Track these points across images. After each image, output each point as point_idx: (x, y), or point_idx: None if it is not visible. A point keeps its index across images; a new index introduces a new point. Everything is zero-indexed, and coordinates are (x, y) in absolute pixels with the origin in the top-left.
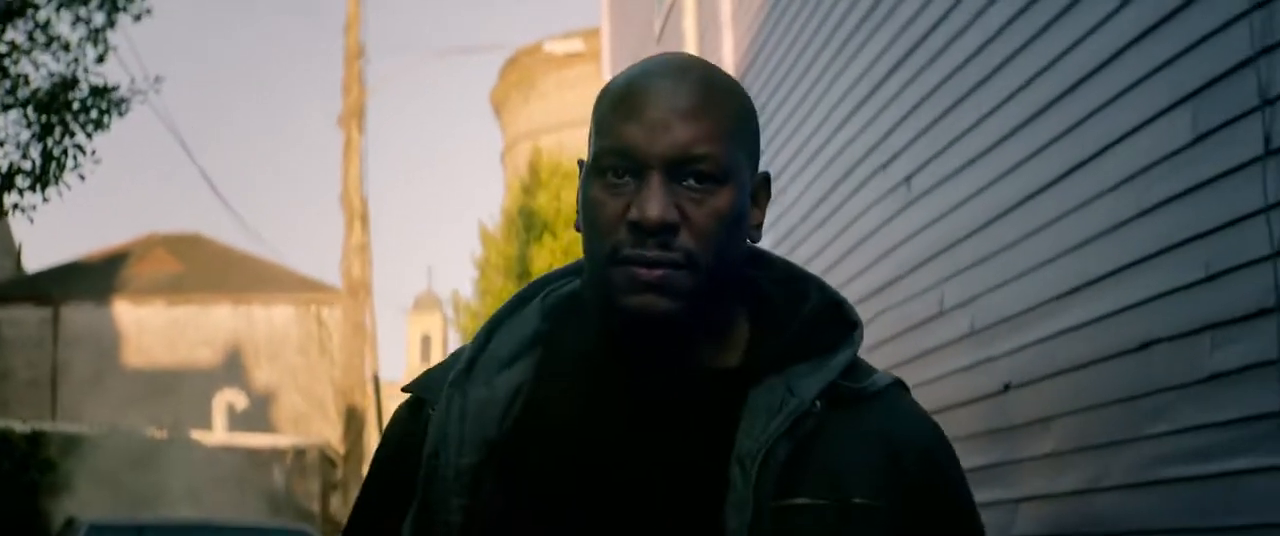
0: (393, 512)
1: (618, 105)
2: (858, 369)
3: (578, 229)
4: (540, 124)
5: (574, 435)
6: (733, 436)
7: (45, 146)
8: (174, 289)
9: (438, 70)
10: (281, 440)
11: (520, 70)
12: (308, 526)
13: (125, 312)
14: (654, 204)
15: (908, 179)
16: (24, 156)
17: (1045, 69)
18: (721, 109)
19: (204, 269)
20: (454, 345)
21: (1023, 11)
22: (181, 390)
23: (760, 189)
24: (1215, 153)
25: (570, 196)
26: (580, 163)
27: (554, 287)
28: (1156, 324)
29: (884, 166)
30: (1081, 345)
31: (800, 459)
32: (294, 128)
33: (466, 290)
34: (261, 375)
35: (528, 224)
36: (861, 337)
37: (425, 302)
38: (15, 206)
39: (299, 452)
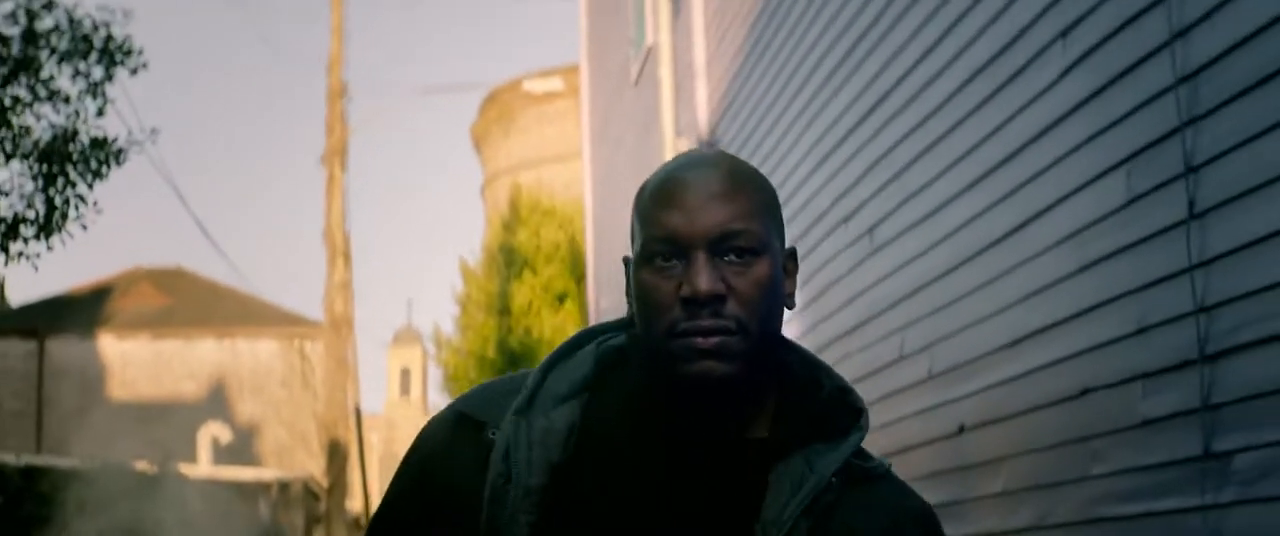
0: (428, 521)
1: (658, 198)
2: (862, 451)
3: (630, 321)
4: (520, 159)
5: (620, 476)
6: (757, 502)
7: (48, 196)
8: (159, 323)
9: (418, 108)
10: (266, 473)
11: (500, 106)
12: None
13: (110, 346)
14: (703, 277)
15: (871, 230)
16: (28, 206)
17: (997, 129)
18: (750, 191)
19: (188, 303)
20: (435, 379)
21: (977, 74)
22: (167, 423)
23: (789, 261)
24: (1146, 215)
25: (550, 234)
26: (625, 260)
27: (604, 339)
28: (1094, 373)
29: (848, 218)
30: (1029, 391)
31: (817, 531)
32: (275, 165)
33: (447, 326)
34: (245, 408)
35: (508, 260)
36: (868, 423)
37: (405, 337)
38: (21, 254)
39: (283, 485)
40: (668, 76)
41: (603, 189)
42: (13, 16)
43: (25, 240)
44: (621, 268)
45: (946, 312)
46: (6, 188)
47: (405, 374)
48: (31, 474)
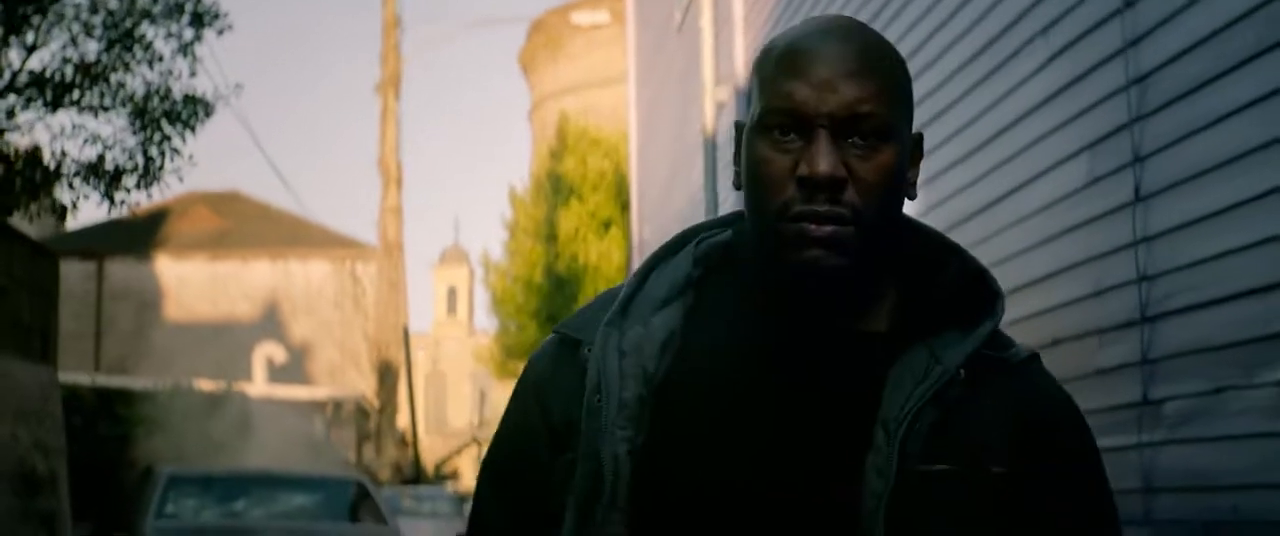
0: (546, 448)
1: (784, 65)
2: (998, 339)
3: (737, 187)
4: (567, 84)
5: (725, 382)
6: (877, 399)
7: (146, 149)
8: (215, 245)
9: (469, 38)
10: (319, 392)
11: (547, 32)
12: (361, 476)
13: (167, 268)
14: (824, 160)
15: None
16: (130, 158)
17: (979, 117)
18: (884, 70)
19: (243, 226)
20: (481, 300)
21: (964, 67)
22: (222, 343)
23: (915, 148)
24: (1102, 196)
25: (597, 162)
26: (737, 124)
27: (706, 236)
28: (1062, 326)
29: None
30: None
31: (942, 426)
32: (327, 93)
33: (495, 251)
34: (298, 328)
35: (555, 187)
36: (1004, 309)
37: (452, 256)
38: (123, 202)
39: (337, 404)
40: (708, 26)
41: (646, 127)
42: None
43: (127, 190)
44: (668, 186)
45: None
46: (110, 142)
47: (452, 293)
48: (105, 395)
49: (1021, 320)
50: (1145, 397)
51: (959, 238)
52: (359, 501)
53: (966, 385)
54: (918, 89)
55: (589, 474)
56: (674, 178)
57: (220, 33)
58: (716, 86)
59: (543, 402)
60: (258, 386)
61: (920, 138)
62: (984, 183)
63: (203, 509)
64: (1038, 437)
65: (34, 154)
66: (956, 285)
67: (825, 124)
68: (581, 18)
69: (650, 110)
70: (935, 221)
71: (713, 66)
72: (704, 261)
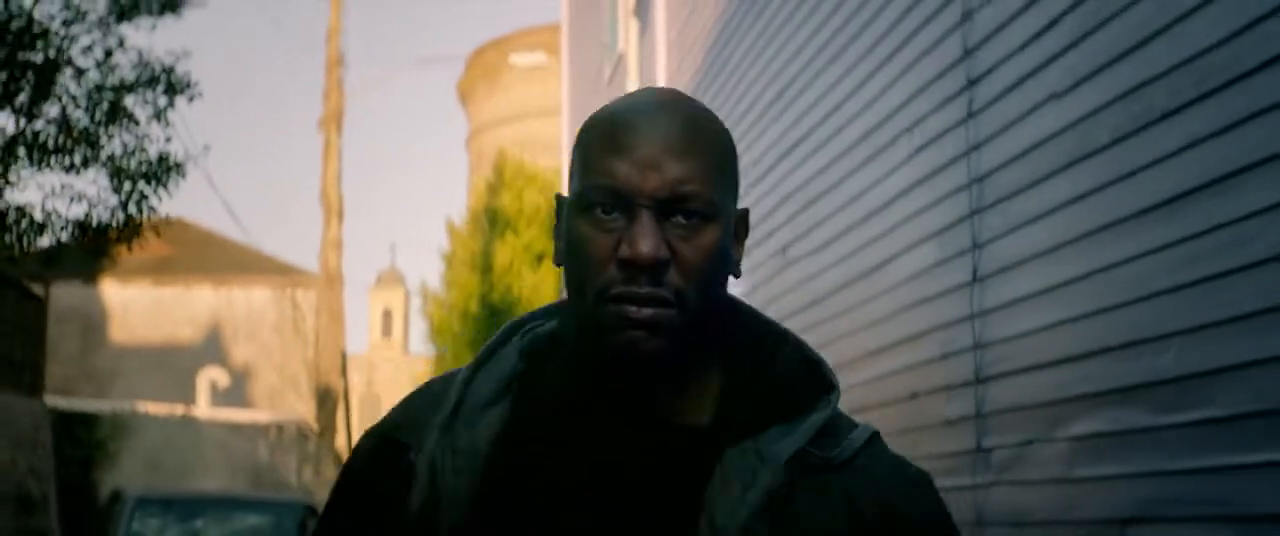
0: None
1: (606, 141)
2: (833, 430)
3: (557, 263)
4: (504, 114)
5: (548, 482)
6: (700, 496)
7: (126, 207)
8: (159, 270)
9: (410, 74)
10: (261, 416)
11: (485, 63)
12: (308, 498)
13: (112, 292)
14: (646, 241)
15: (784, 248)
16: (112, 215)
17: (858, 196)
18: (709, 147)
19: (188, 252)
20: (417, 323)
21: (847, 152)
22: (166, 366)
23: (740, 225)
24: (948, 274)
25: (533, 197)
26: (559, 197)
27: (531, 327)
28: (917, 383)
29: (766, 237)
30: (880, 390)
31: (770, 531)
32: (270, 127)
33: (432, 279)
34: (240, 352)
35: (492, 221)
36: (838, 400)
37: (388, 278)
38: (107, 255)
39: (279, 427)
40: (634, 86)
41: None
42: (90, 52)
43: (111, 243)
44: None
45: (836, 321)
46: (94, 200)
47: (387, 315)
48: (67, 419)
49: (888, 376)
50: (979, 446)
51: (843, 300)
52: (307, 521)
53: (795, 483)
54: (812, 166)
55: None
56: None
57: (190, 100)
58: None
59: (358, 503)
60: (201, 409)
61: (746, 213)
62: (860, 254)
63: (165, 528)
64: (867, 528)
65: (23, 210)
66: (787, 374)
67: (647, 204)
68: (519, 59)
69: None
70: (821, 286)
71: None
72: (529, 354)
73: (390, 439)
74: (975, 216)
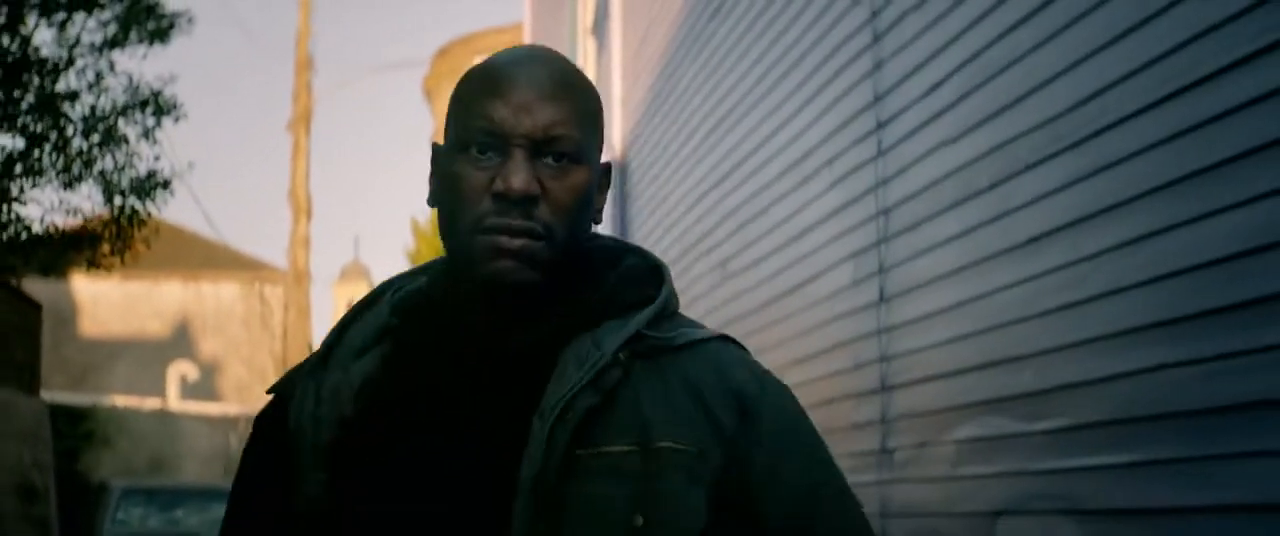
0: (262, 492)
1: (484, 86)
2: (670, 323)
3: (430, 204)
4: None
5: (411, 419)
6: (542, 391)
7: (118, 221)
8: (128, 264)
9: (376, 76)
10: (231, 408)
11: (451, 60)
12: None
13: (82, 286)
14: (518, 176)
15: (724, 262)
16: (105, 228)
17: (786, 219)
18: (579, 96)
19: (156, 247)
20: None
21: (780, 177)
22: (135, 359)
23: (604, 176)
24: (860, 294)
25: None
26: (434, 145)
27: (400, 285)
28: (832, 391)
29: (708, 251)
30: (802, 397)
31: (604, 410)
32: (239, 127)
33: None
34: (208, 346)
35: None
36: (672, 296)
37: (351, 272)
38: (97, 266)
39: (248, 420)
40: None
41: None
42: (82, 75)
43: (103, 256)
44: None
45: (767, 331)
46: (90, 215)
47: (350, 307)
48: (53, 412)
49: (809, 382)
50: (882, 447)
51: (773, 312)
52: None
53: (630, 367)
54: (746, 190)
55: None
56: None
57: (176, 120)
58: None
59: (251, 460)
60: (171, 402)
61: (609, 167)
62: (787, 273)
63: (148, 516)
64: (719, 413)
65: (23, 221)
66: (624, 277)
67: (521, 143)
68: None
69: None
70: (755, 299)
71: None
72: (398, 309)
73: (275, 395)
74: (882, 244)
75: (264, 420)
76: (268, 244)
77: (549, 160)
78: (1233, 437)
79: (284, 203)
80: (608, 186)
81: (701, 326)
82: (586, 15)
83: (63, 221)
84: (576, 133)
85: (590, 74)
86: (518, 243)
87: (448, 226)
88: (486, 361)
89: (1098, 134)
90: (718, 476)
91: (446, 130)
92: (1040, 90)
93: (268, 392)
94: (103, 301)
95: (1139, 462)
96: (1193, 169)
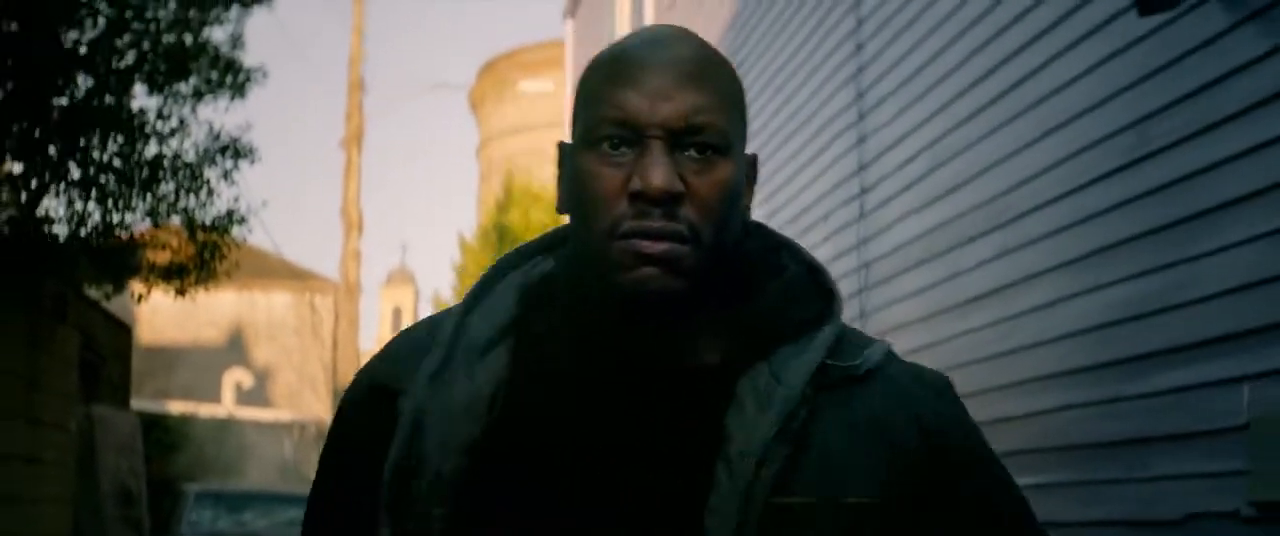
0: (360, 505)
1: (613, 74)
2: (845, 343)
3: (560, 210)
4: (513, 124)
5: (552, 439)
6: (719, 429)
7: (202, 253)
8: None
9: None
10: (284, 415)
11: (496, 74)
12: None
13: (133, 290)
14: (658, 172)
15: None
16: (189, 258)
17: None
18: (721, 79)
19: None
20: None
21: (798, 218)
22: (190, 366)
23: (751, 168)
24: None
25: (538, 215)
26: (561, 145)
27: (526, 268)
28: None
29: None
30: None
31: (791, 454)
32: (294, 144)
33: (442, 283)
34: (261, 354)
35: (501, 236)
36: (841, 308)
37: (398, 277)
38: (184, 292)
39: (301, 427)
40: None
41: None
42: (164, 121)
43: (186, 282)
44: None
45: None
46: (177, 245)
47: (397, 313)
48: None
49: None
50: None
51: None
52: None
53: (814, 403)
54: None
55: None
56: None
57: (252, 164)
58: None
59: (348, 462)
60: (226, 407)
61: (755, 159)
62: None
63: (217, 518)
64: (908, 454)
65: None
66: (790, 290)
67: (659, 134)
68: (527, 86)
69: None
70: None
71: None
72: (525, 299)
73: (377, 386)
74: (863, 293)
75: (359, 415)
76: (315, 253)
77: (691, 153)
78: (1116, 466)
79: (331, 211)
80: (755, 180)
81: (861, 334)
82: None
83: (155, 257)
84: (720, 120)
85: None
86: (660, 247)
87: (580, 233)
88: (639, 384)
89: (1022, 216)
90: (903, 527)
91: (573, 126)
92: (982, 176)
93: (366, 382)
94: (160, 310)
95: (1049, 484)
96: (1085, 251)
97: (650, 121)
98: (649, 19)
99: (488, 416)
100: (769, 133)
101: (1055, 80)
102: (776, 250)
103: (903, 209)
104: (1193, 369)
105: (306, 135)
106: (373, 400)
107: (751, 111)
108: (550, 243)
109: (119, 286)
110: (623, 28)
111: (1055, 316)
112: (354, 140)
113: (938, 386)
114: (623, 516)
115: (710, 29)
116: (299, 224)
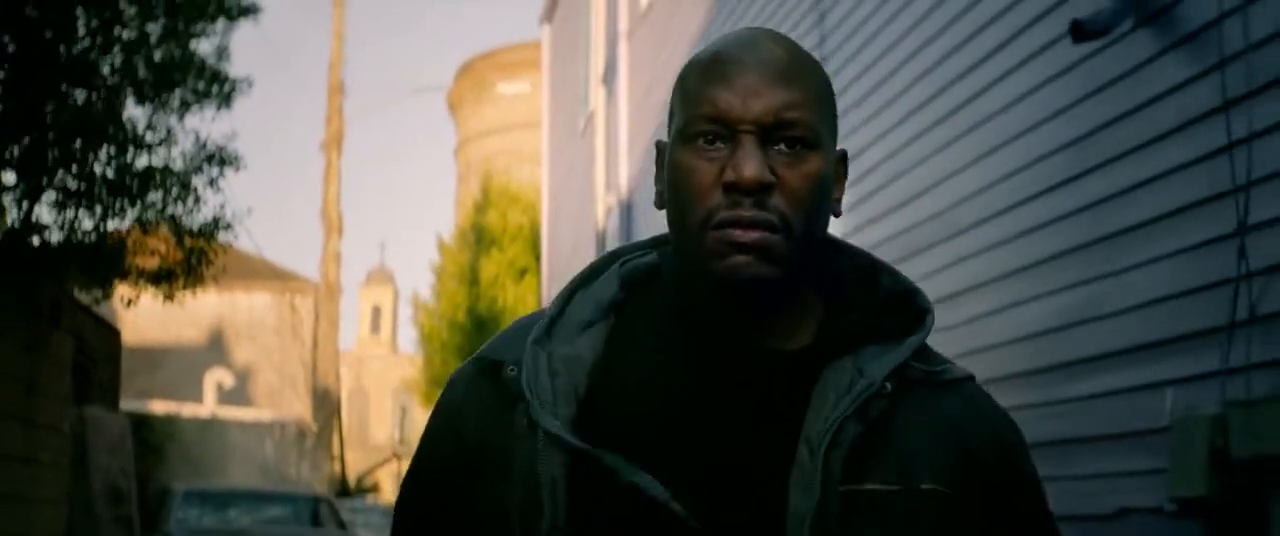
0: (464, 478)
1: (708, 73)
2: (930, 355)
3: (659, 205)
4: (491, 125)
5: (648, 404)
6: (802, 416)
7: (189, 259)
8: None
9: (404, 100)
10: (265, 414)
11: (474, 75)
12: (323, 492)
13: (122, 295)
14: (750, 163)
15: None
16: (177, 263)
17: None
18: (809, 77)
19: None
20: (405, 319)
21: None
22: (172, 366)
23: (840, 164)
24: None
25: (516, 217)
26: (658, 144)
27: (630, 257)
28: None
29: None
30: None
31: (870, 442)
32: (273, 146)
33: (422, 285)
34: (241, 354)
35: (478, 238)
36: (933, 324)
37: (377, 277)
38: (169, 297)
39: (282, 426)
40: (601, 144)
41: (555, 199)
42: (153, 131)
43: (174, 287)
44: (572, 253)
45: None
46: (163, 250)
47: (376, 311)
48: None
49: None
50: None
51: None
52: (321, 512)
53: (895, 399)
54: None
55: (527, 498)
56: (577, 242)
57: (236, 170)
58: (606, 193)
59: (457, 429)
60: (208, 406)
61: (845, 155)
62: None
63: (204, 515)
64: (978, 458)
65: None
66: (884, 301)
67: (751, 130)
68: (505, 88)
69: (561, 180)
70: None
71: (604, 176)
72: (628, 284)
73: (483, 359)
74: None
75: (465, 387)
76: (295, 253)
77: (781, 147)
78: (1051, 464)
79: (311, 210)
80: (845, 175)
81: (949, 360)
82: (598, 66)
83: (143, 262)
84: (809, 116)
85: (600, 117)
86: (753, 235)
87: (677, 225)
88: (729, 364)
89: (972, 227)
90: (969, 525)
91: (670, 125)
92: (935, 188)
93: (475, 361)
94: (143, 311)
95: None
96: (1028, 262)
97: (742, 117)
98: (623, 25)
99: (589, 379)
100: None
101: (1000, 100)
102: (874, 268)
103: (861, 218)
104: (1122, 373)
105: (288, 139)
106: (478, 371)
107: None
108: (654, 242)
109: (108, 291)
110: (597, 33)
111: (1000, 323)
112: (334, 143)
113: (1014, 423)
114: (710, 488)
115: (681, 37)
116: (280, 225)
